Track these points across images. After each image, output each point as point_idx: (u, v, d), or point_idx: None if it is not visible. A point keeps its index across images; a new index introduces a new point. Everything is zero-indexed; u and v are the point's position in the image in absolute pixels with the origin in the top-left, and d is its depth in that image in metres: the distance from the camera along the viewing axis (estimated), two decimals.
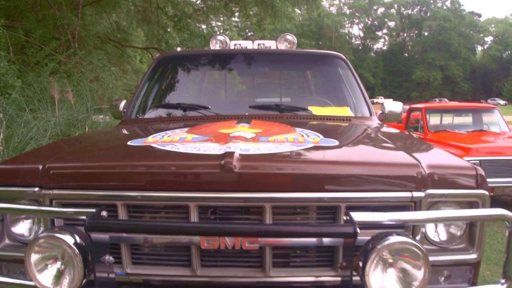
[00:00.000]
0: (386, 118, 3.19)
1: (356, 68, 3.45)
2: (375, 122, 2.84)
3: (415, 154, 1.67)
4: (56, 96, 6.10)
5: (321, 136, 1.95)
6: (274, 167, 1.53)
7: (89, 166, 1.63)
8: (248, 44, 3.56)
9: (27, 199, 1.63)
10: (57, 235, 1.35)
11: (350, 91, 3.16)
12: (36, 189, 1.60)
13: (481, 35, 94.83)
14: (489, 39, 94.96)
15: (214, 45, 3.61)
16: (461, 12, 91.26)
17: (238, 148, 1.59)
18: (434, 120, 8.76)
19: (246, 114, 2.84)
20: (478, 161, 6.16)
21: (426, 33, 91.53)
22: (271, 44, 3.54)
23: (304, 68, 3.77)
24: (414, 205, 1.53)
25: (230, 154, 1.51)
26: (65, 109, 5.96)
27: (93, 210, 1.45)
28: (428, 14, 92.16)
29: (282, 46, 3.54)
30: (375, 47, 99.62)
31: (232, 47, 3.53)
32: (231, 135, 1.90)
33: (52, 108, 6.06)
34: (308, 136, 1.95)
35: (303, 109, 2.86)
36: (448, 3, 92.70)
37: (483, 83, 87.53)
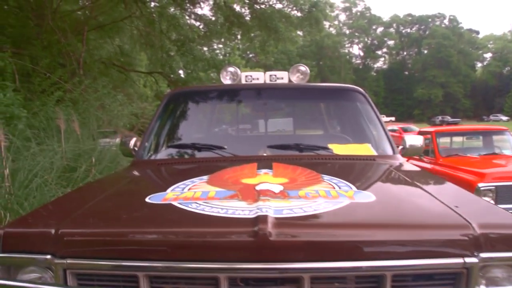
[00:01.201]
0: (407, 153, 3.08)
1: None
2: (399, 160, 2.72)
3: (463, 210, 1.54)
4: (62, 126, 6.02)
5: (354, 188, 1.83)
6: (313, 233, 1.41)
7: (107, 233, 1.50)
8: (260, 76, 3.46)
9: (39, 267, 1.49)
10: None
11: (370, 126, 3.05)
12: (48, 256, 1.45)
13: (480, 51, 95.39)
14: (488, 55, 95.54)
15: (225, 77, 3.51)
16: (459, 29, 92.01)
17: (271, 209, 1.47)
18: (443, 141, 8.62)
19: (265, 154, 2.73)
20: (493, 187, 6.01)
21: (425, 51, 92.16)
22: (283, 75, 3.44)
23: (321, 103, 3.67)
24: (467, 271, 1.40)
25: (263, 219, 1.39)
26: (72, 140, 5.85)
27: None
28: (427, 32, 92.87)
29: (294, 77, 3.45)
30: (375, 66, 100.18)
31: (243, 78, 3.43)
32: (257, 188, 1.77)
33: (58, 138, 5.97)
34: (339, 188, 1.82)
35: (324, 148, 2.74)
36: (446, 21, 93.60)
37: (484, 99, 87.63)
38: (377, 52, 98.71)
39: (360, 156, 2.67)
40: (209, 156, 2.70)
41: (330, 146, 2.77)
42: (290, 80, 3.37)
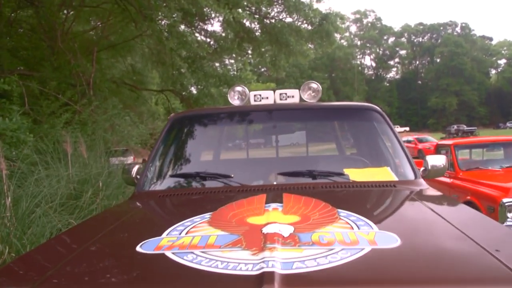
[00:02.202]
0: (429, 175, 2.84)
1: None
2: (422, 186, 2.47)
3: (506, 256, 1.30)
4: (69, 150, 5.88)
5: (375, 227, 1.59)
6: None
7: None
8: (269, 95, 3.25)
9: None
10: None
11: (388, 148, 2.82)
12: None
13: (494, 58, 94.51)
14: (502, 61, 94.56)
15: (233, 98, 3.31)
16: (472, 37, 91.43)
17: (278, 263, 1.24)
18: (462, 153, 8.29)
19: (275, 183, 2.51)
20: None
21: (438, 60, 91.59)
22: (294, 94, 3.23)
23: (335, 123, 3.44)
24: None
25: (269, 277, 1.16)
26: (78, 165, 5.70)
27: None
28: (439, 41, 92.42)
29: (306, 95, 3.23)
30: (388, 76, 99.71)
31: (252, 98, 3.23)
32: (264, 230, 1.55)
33: (65, 162, 5.83)
34: (359, 228, 1.59)
35: (339, 174, 2.51)
36: (458, 29, 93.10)
37: (499, 106, 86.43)
38: (389, 62, 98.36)
39: (379, 183, 2.43)
40: (214, 186, 2.49)
41: (346, 171, 2.54)
42: (301, 98, 3.16)
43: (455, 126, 56.56)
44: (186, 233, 1.63)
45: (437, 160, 2.89)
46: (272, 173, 2.59)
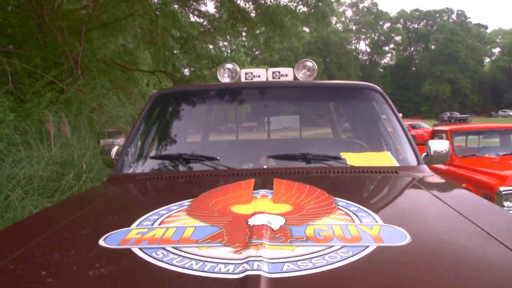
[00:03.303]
0: (431, 161, 2.63)
1: None
2: (426, 173, 2.26)
3: None
4: (51, 130, 5.61)
5: (379, 220, 1.37)
6: None
7: None
8: (262, 73, 3.00)
9: None
10: None
11: (389, 131, 2.60)
12: None
13: (489, 46, 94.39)
14: (496, 50, 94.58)
15: (222, 75, 3.06)
16: (467, 24, 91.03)
17: (265, 264, 1.02)
18: (458, 140, 8.10)
19: (265, 167, 2.28)
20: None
21: (433, 47, 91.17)
22: (287, 72, 2.99)
23: (332, 103, 3.20)
24: None
25: (253, 282, 0.94)
26: (60, 146, 5.43)
27: None
28: (435, 28, 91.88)
29: (300, 74, 2.99)
30: (382, 62, 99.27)
31: (243, 76, 2.98)
32: (250, 222, 1.33)
33: (48, 144, 5.56)
34: (360, 221, 1.36)
35: (335, 158, 2.28)
36: (454, 16, 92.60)
37: (492, 94, 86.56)
38: (384, 48, 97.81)
39: (380, 169, 2.21)
40: (199, 169, 2.25)
41: (342, 155, 2.31)
42: (295, 77, 2.92)
43: (448, 113, 56.62)
44: (160, 224, 1.40)
45: (439, 145, 2.68)
46: (262, 156, 2.36)
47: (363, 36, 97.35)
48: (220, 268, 1.03)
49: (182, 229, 1.33)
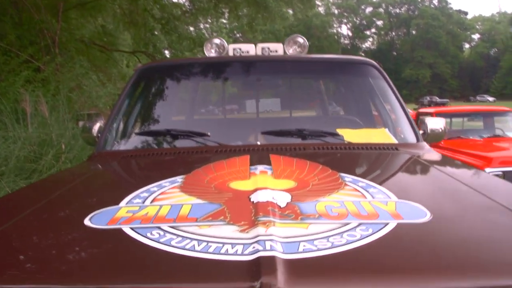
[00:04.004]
0: (427, 139, 2.54)
1: None
2: (427, 150, 2.16)
3: None
4: (28, 109, 5.38)
5: (392, 196, 1.26)
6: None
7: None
8: (250, 49, 2.86)
9: None
10: None
11: (386, 107, 2.49)
12: None
13: (468, 32, 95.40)
14: (476, 36, 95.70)
15: (209, 50, 2.90)
16: (448, 10, 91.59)
17: (278, 244, 0.90)
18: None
19: (258, 143, 2.15)
20: (501, 172, 5.55)
21: (414, 32, 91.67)
22: (277, 48, 2.84)
23: (326, 79, 3.07)
24: None
25: (268, 264, 0.81)
26: (37, 126, 5.20)
27: None
28: (416, 13, 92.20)
29: (291, 50, 2.85)
30: (364, 46, 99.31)
31: (231, 52, 2.83)
32: (253, 198, 1.20)
33: (24, 123, 5.32)
34: (373, 196, 1.25)
35: (332, 134, 2.15)
36: (435, 2, 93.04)
37: (471, 80, 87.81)
38: (365, 32, 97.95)
39: (379, 145, 2.10)
40: (188, 146, 2.11)
41: (340, 131, 2.19)
42: (285, 54, 2.78)
43: (428, 98, 57.32)
44: (152, 201, 1.26)
45: (436, 123, 2.59)
46: (255, 132, 2.23)
47: (345, 20, 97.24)
48: (227, 249, 0.90)
49: (177, 206, 1.19)
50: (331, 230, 0.99)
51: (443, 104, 49.08)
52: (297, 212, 1.10)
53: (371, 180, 1.43)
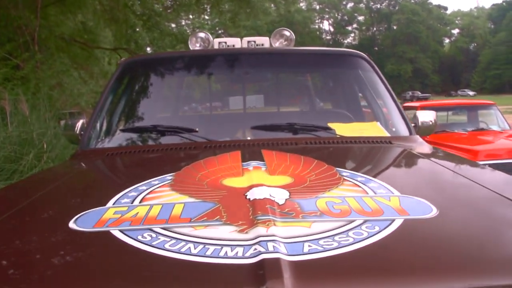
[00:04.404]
0: (418, 132, 2.50)
1: None
2: (420, 143, 2.13)
3: None
4: (7, 108, 5.22)
5: (394, 191, 1.21)
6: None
7: None
8: (236, 42, 2.79)
9: None
10: None
11: (377, 101, 2.44)
12: None
13: (448, 27, 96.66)
14: (456, 31, 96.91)
15: (194, 45, 2.82)
16: (428, 5, 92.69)
17: (282, 245, 0.83)
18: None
19: (249, 138, 2.08)
20: (486, 165, 5.58)
21: (395, 27, 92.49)
22: (263, 41, 2.79)
23: (315, 72, 3.01)
24: None
25: (272, 267, 0.75)
26: (17, 125, 5.05)
27: None
28: (397, 8, 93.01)
29: (277, 43, 2.79)
30: (345, 42, 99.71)
31: (216, 46, 2.76)
32: (249, 196, 1.13)
33: (4, 122, 5.16)
34: (374, 192, 1.19)
35: (323, 128, 2.10)
36: None
37: (451, 74, 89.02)
38: (347, 27, 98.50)
39: (372, 139, 2.05)
40: (175, 142, 2.03)
41: (331, 125, 2.14)
42: (272, 47, 2.72)
43: (410, 93, 57.92)
44: (141, 201, 1.19)
45: (427, 116, 2.56)
46: (245, 127, 2.16)
47: (327, 16, 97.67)
48: (226, 252, 0.84)
49: (169, 206, 1.12)
50: (335, 229, 0.94)
51: (425, 99, 49.63)
52: (298, 210, 1.04)
53: (369, 174, 1.38)
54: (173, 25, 17.21)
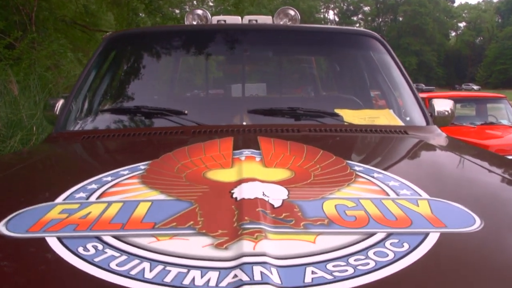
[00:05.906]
0: (435, 122, 2.24)
1: None
2: (440, 134, 1.87)
3: None
4: None
5: (421, 192, 0.95)
6: None
7: None
8: (236, 21, 2.52)
9: None
10: None
11: (391, 86, 2.18)
12: None
13: (455, 20, 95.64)
14: (462, 24, 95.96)
15: (191, 22, 2.56)
16: None
17: (273, 270, 0.58)
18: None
19: (244, 124, 1.82)
20: None
21: (401, 18, 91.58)
22: (266, 21, 2.51)
23: (322, 53, 2.73)
24: None
25: None
26: (5, 105, 4.80)
27: None
28: None
29: (281, 23, 2.52)
30: None
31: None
32: (236, 195, 0.88)
33: None
34: (396, 193, 0.93)
35: (330, 114, 1.83)
36: None
37: (456, 68, 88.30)
38: (352, 18, 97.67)
39: (384, 128, 1.79)
40: (160, 125, 1.77)
41: (338, 111, 1.88)
42: None
43: (415, 85, 57.40)
44: (99, 197, 0.93)
45: (444, 105, 2.31)
46: (241, 111, 1.90)
47: (332, 5, 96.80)
48: (193, 278, 0.58)
49: (132, 204, 0.87)
50: (350, 246, 0.68)
51: (429, 91, 49.21)
52: (298, 216, 0.79)
53: (387, 170, 1.13)
54: (177, 11, 16.91)
